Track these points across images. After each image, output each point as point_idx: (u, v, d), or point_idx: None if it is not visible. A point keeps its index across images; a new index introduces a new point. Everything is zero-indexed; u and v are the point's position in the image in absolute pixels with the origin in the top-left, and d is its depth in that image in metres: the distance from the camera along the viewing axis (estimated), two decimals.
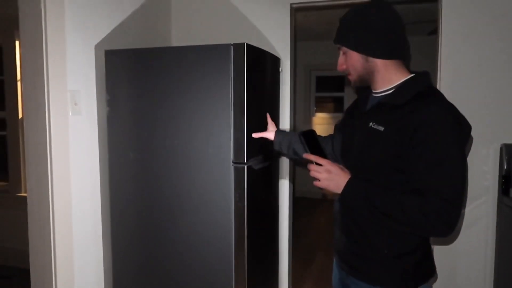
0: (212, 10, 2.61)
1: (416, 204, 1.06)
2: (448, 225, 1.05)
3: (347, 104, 5.88)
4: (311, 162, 1.21)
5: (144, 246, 1.97)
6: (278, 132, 1.78)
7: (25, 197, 1.94)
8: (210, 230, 1.85)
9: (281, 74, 2.49)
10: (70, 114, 1.86)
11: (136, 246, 1.99)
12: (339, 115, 5.94)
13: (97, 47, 1.95)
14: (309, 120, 6.00)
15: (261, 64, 2.08)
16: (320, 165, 1.19)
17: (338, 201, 1.34)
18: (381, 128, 1.16)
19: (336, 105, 6.09)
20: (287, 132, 1.80)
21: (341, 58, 1.28)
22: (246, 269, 1.84)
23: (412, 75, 1.22)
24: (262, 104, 2.10)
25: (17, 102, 3.36)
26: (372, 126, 1.19)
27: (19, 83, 3.34)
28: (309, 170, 1.21)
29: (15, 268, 3.29)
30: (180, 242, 1.91)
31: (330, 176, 1.17)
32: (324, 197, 5.76)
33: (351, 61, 1.24)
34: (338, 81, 5.97)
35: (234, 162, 1.80)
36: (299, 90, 5.84)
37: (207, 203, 1.85)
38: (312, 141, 1.24)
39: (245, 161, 1.79)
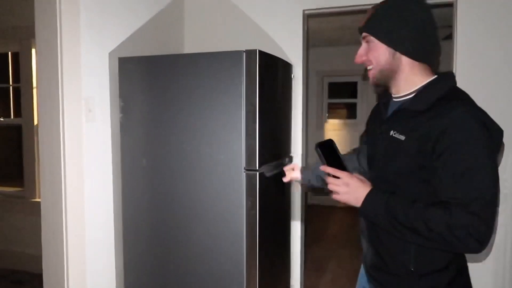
0: (225, 17, 2.62)
1: (442, 218, 0.97)
2: (478, 241, 0.95)
3: (359, 110, 5.83)
4: (329, 174, 1.14)
5: (155, 252, 1.97)
6: (303, 168, 1.62)
7: (40, 203, 1.96)
8: (222, 237, 1.84)
9: (293, 80, 2.48)
10: (84, 121, 1.87)
11: (148, 252, 1.99)
12: (352, 121, 5.89)
13: (111, 54, 1.98)
14: (321, 127, 5.97)
15: (273, 71, 2.07)
16: (338, 177, 1.12)
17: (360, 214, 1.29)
18: (402, 137, 1.09)
19: (349, 111, 6.05)
20: (311, 165, 1.63)
21: (362, 49, 1.17)
22: (258, 277, 1.82)
23: (434, 77, 1.13)
24: (275, 111, 2.09)
25: (33, 109, 3.41)
26: (393, 135, 1.12)
27: (35, 90, 3.40)
28: (327, 184, 1.14)
29: (29, 273, 3.32)
30: (192, 249, 1.90)
31: (349, 190, 1.10)
32: (340, 204, 5.68)
33: (375, 53, 1.14)
34: (351, 87, 5.93)
35: (246, 169, 1.79)
36: (312, 96, 5.81)
37: (219, 210, 1.84)
38: (330, 152, 1.17)
39: (257, 168, 1.78)
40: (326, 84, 6.02)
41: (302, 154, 2.57)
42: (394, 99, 1.20)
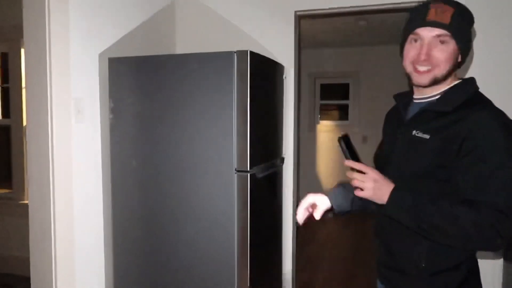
0: (217, 18, 2.61)
1: (469, 216, 0.99)
2: (502, 238, 0.99)
3: (351, 112, 5.85)
4: (353, 169, 1.10)
5: (146, 254, 1.95)
6: (332, 196, 1.38)
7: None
8: (213, 238, 1.83)
9: (285, 81, 2.48)
10: (74, 122, 1.85)
11: (138, 255, 1.97)
12: (344, 123, 5.91)
13: (101, 55, 1.96)
14: (313, 128, 5.98)
15: (264, 72, 2.07)
16: (363, 173, 1.08)
17: (379, 211, 1.24)
18: (427, 136, 1.10)
19: (341, 113, 6.07)
20: (338, 191, 1.39)
21: (437, 48, 1.10)
22: (249, 279, 1.81)
23: (458, 81, 1.17)
24: (266, 112, 2.08)
25: (22, 110, 3.36)
26: (416, 135, 1.13)
27: (24, 91, 3.36)
28: (351, 179, 1.11)
29: (18, 276, 3.27)
30: (182, 251, 1.88)
31: (376, 186, 1.07)
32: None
33: (448, 55, 1.10)
34: (343, 89, 5.95)
35: (237, 170, 1.78)
36: (304, 97, 5.82)
37: (210, 212, 1.82)
38: (349, 146, 1.13)
39: (248, 169, 1.77)
40: (319, 86, 6.03)
41: (294, 155, 2.56)
42: (416, 101, 1.21)
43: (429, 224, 1.04)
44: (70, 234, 1.86)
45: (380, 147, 1.44)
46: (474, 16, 1.16)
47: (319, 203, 1.35)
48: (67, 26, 1.80)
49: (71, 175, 1.85)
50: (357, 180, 1.09)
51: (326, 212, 1.38)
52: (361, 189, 1.09)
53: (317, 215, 1.35)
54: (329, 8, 2.45)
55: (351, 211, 1.39)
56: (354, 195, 1.31)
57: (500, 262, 2.16)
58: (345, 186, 1.24)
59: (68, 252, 1.86)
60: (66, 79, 1.82)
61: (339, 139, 1.13)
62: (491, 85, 2.12)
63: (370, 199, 1.11)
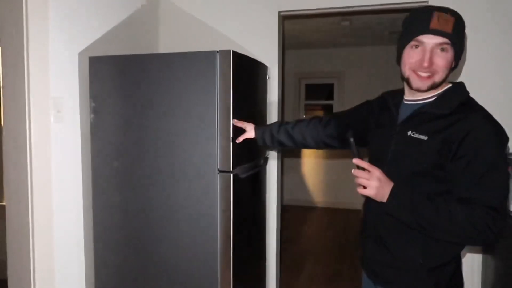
0: (201, 18, 2.59)
1: (464, 213, 1.06)
2: (494, 233, 1.06)
3: (336, 111, 5.88)
4: (358, 167, 1.14)
5: (127, 257, 1.93)
6: (257, 128, 1.79)
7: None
8: (196, 240, 1.81)
9: (268, 81, 2.48)
10: (53, 121, 1.81)
11: (120, 257, 1.94)
12: None
13: (81, 54, 1.92)
14: None
15: (248, 72, 2.06)
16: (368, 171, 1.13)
17: (373, 209, 1.30)
18: (424, 138, 1.15)
19: (326, 113, 6.11)
20: (266, 125, 1.82)
21: (438, 56, 1.13)
22: (232, 279, 1.81)
23: (450, 85, 1.21)
24: (249, 111, 2.08)
25: (0, 109, 3.29)
26: (412, 135, 1.18)
27: (1, 90, 3.28)
28: (355, 176, 1.15)
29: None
30: (164, 253, 1.87)
31: (380, 185, 1.12)
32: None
33: (446, 61, 1.14)
34: (327, 89, 5.99)
35: (220, 171, 1.77)
36: (289, 97, 5.84)
37: (192, 213, 1.81)
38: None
39: (231, 169, 1.77)
40: (303, 86, 6.06)
41: (278, 155, 2.57)
42: (407, 102, 1.26)
43: (427, 221, 1.10)
44: (49, 236, 1.82)
45: (346, 113, 1.61)
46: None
47: (247, 132, 1.79)
48: (46, 24, 1.76)
49: (50, 176, 1.81)
50: (362, 178, 1.13)
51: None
52: (364, 187, 1.13)
53: (237, 140, 1.78)
54: (313, 9, 2.46)
55: (271, 147, 1.78)
56: (277, 134, 1.72)
57: (479, 256, 2.21)
58: (351, 139, 1.22)
59: (47, 255, 1.82)
60: (45, 78, 1.78)
61: (348, 138, 1.17)
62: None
63: (373, 197, 1.14)
